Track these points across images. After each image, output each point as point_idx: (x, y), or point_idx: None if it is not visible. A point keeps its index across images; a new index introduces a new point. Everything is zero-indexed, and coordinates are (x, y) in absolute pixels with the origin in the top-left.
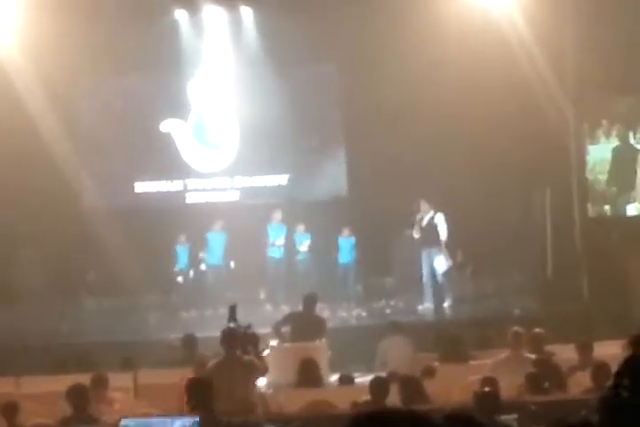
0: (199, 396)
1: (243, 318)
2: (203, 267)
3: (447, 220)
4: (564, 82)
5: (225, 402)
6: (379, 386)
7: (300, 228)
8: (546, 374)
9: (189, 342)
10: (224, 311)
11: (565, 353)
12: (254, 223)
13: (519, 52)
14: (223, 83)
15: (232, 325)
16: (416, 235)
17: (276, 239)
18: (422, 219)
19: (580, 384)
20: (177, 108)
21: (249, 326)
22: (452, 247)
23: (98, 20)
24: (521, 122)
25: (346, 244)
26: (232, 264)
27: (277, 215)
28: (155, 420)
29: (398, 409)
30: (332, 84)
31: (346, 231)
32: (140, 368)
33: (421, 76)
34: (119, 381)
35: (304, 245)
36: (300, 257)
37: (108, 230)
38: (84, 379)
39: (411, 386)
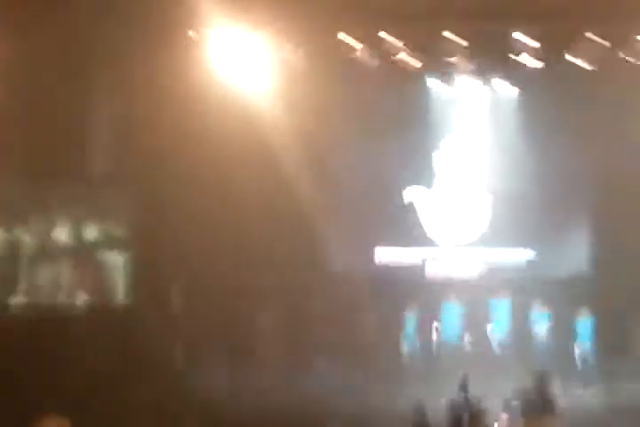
0: None
1: (473, 390)
2: (435, 337)
3: None
4: None
5: None
6: None
7: (539, 306)
8: None
9: (419, 412)
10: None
11: None
12: (486, 297)
13: None
14: (473, 153)
15: (462, 395)
16: None
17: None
18: None
19: None
20: (424, 175)
21: (479, 400)
22: None
23: (352, 80)
24: None
25: (585, 323)
26: (466, 338)
27: (505, 292)
28: None
29: None
30: (584, 164)
31: (585, 311)
32: None
33: None
34: None
35: (542, 323)
36: (536, 334)
37: (343, 294)
38: None
39: None
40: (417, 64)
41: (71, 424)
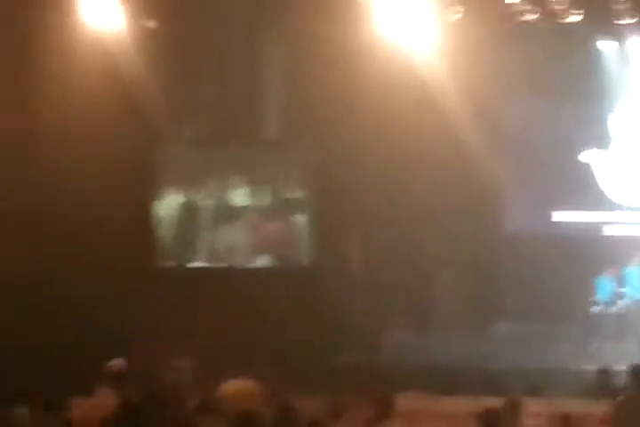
0: None
1: None
2: (624, 301)
3: None
4: None
5: None
6: None
7: None
8: None
9: (604, 374)
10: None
11: None
12: None
13: None
14: None
15: None
16: None
17: None
18: None
19: None
20: (598, 138)
21: None
22: None
23: (525, 42)
24: None
25: None
26: None
27: None
28: None
29: None
30: None
31: None
32: (549, 396)
33: None
34: (529, 408)
35: None
36: None
37: (524, 257)
38: (496, 403)
39: None
40: (589, 26)
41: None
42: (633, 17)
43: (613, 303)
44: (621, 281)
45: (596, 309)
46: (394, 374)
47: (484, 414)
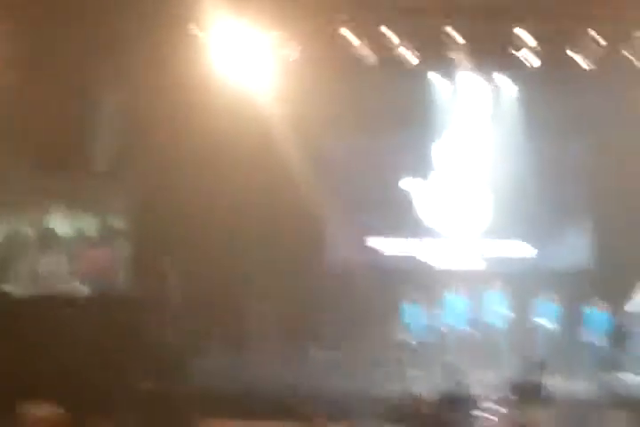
0: None
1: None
2: (436, 327)
3: None
4: None
5: None
6: None
7: (540, 297)
8: None
9: (412, 400)
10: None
11: None
12: (482, 289)
13: None
14: (474, 147)
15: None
16: None
17: (495, 306)
18: None
19: None
20: (419, 167)
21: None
22: None
23: (350, 75)
24: None
25: (590, 315)
26: (466, 327)
27: (498, 283)
28: None
29: None
30: (584, 158)
31: (587, 302)
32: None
33: None
34: None
35: (543, 314)
36: (537, 325)
37: (343, 286)
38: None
39: None
40: (417, 60)
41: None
42: (457, 50)
43: (427, 331)
44: (436, 309)
45: (409, 336)
46: (206, 400)
47: None
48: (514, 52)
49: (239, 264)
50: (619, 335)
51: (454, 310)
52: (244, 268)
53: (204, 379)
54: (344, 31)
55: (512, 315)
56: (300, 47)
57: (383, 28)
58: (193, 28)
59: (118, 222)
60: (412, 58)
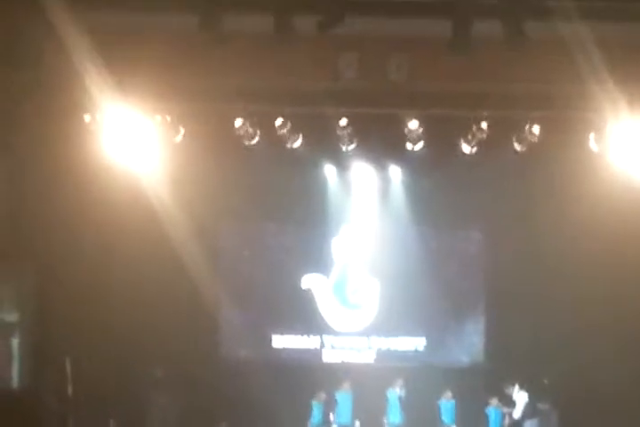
0: None
1: None
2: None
3: None
4: None
5: None
6: None
7: (447, 395)
8: None
9: None
10: None
11: None
12: (383, 385)
13: None
14: (367, 240)
15: None
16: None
17: (394, 405)
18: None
19: None
20: (320, 262)
21: None
22: None
23: (249, 165)
24: None
25: (490, 411)
26: (357, 424)
27: (399, 381)
28: None
29: None
30: (475, 249)
31: (494, 401)
32: None
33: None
34: None
35: (441, 411)
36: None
37: (242, 381)
38: None
39: None
40: (312, 151)
41: None
42: (352, 142)
43: None
44: (331, 406)
45: None
46: None
47: None
48: (404, 141)
49: (135, 361)
50: None
51: (349, 408)
52: (141, 366)
53: None
54: (239, 120)
55: (410, 412)
56: (195, 134)
57: (279, 120)
58: (84, 116)
59: (11, 316)
60: (302, 145)
